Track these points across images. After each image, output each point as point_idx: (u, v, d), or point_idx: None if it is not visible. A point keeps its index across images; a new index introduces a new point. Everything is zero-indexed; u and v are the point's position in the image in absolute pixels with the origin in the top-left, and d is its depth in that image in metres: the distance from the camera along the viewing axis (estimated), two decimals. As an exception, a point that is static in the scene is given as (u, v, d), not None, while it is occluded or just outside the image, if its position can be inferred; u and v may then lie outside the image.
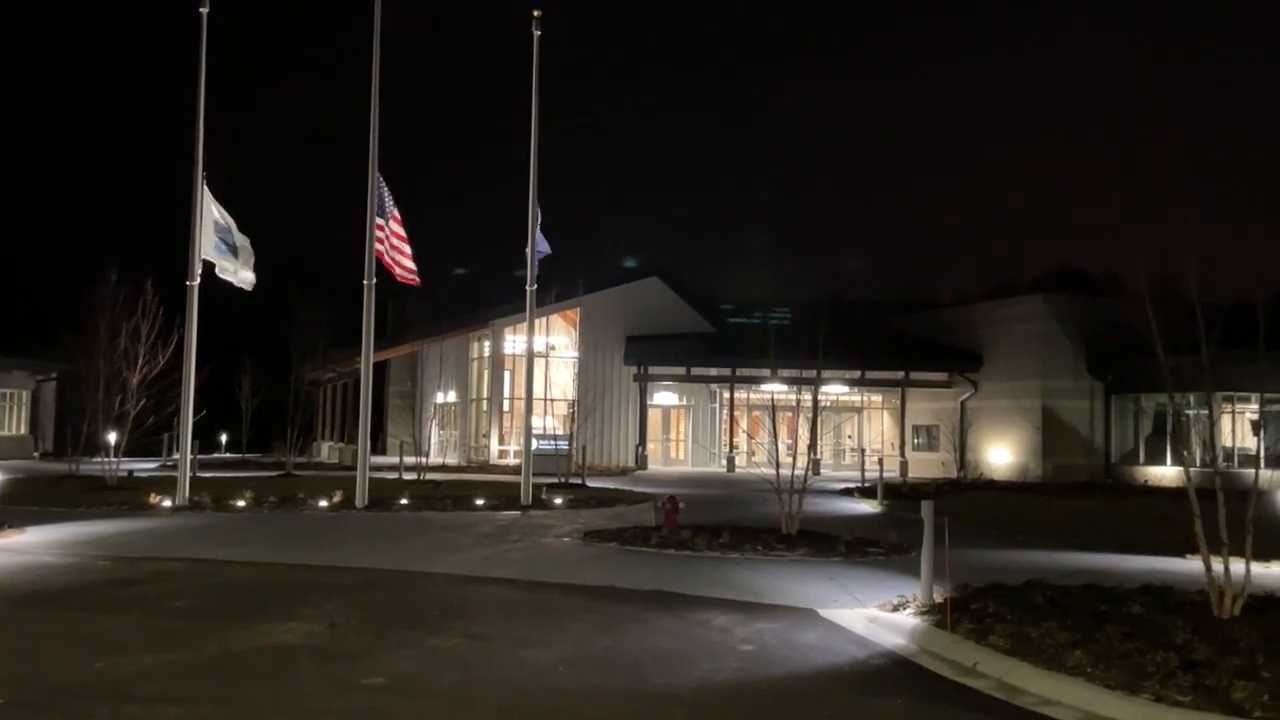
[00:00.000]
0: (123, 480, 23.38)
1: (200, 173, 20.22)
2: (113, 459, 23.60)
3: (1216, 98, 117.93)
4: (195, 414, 20.92)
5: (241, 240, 20.75)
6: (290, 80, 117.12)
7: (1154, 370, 10.05)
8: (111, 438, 24.19)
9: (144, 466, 28.53)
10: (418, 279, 21.65)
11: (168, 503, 19.31)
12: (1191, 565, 11.21)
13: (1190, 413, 25.94)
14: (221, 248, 20.37)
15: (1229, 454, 29.85)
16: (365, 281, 20.42)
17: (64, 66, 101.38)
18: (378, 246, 20.40)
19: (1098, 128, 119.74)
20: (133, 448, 25.29)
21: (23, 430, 42.24)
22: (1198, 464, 25.61)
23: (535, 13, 22.06)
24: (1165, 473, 30.96)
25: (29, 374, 41.88)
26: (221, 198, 20.59)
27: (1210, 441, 22.03)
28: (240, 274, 20.81)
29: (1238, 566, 8.78)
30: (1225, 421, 29.84)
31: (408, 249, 20.97)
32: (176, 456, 23.17)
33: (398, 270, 20.95)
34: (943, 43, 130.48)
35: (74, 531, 15.62)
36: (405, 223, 21.00)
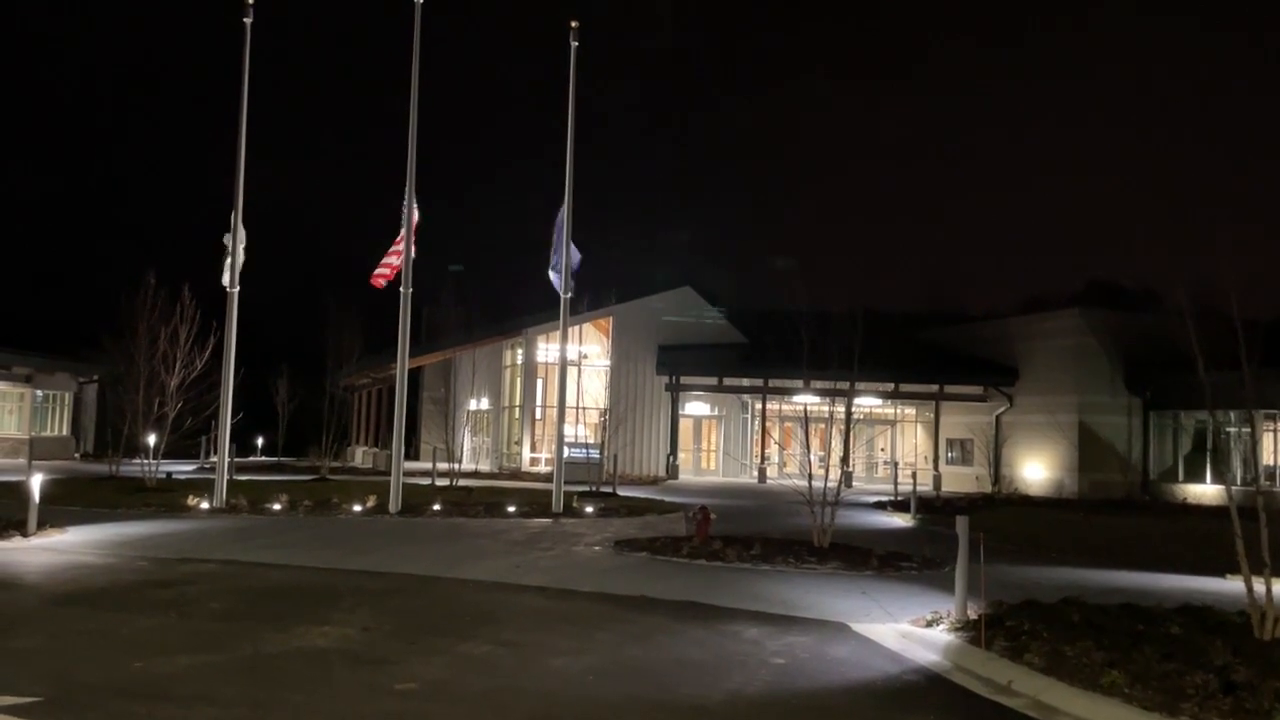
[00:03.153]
0: (161, 482, 23.71)
1: (240, 180, 20.54)
2: (152, 461, 23.94)
3: (1259, 109, 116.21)
4: (232, 418, 21.18)
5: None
6: (326, 89, 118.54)
7: (1194, 386, 9.91)
8: (151, 440, 24.55)
9: (182, 469, 28.92)
10: (382, 281, 21.34)
11: (205, 505, 19.55)
12: (1232, 586, 11.02)
13: (1231, 430, 25.55)
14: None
15: (1271, 473, 29.35)
16: (401, 289, 20.63)
17: (104, 72, 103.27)
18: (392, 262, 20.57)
19: (1139, 141, 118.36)
20: (171, 450, 25.64)
21: (65, 431, 42.97)
22: (1239, 482, 25.30)
23: (573, 23, 22.18)
24: (1205, 491, 30.46)
25: (71, 376, 42.61)
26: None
27: (1252, 460, 21.72)
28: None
29: (1280, 588, 8.63)
30: (1267, 440, 29.32)
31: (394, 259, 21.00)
32: (214, 459, 23.46)
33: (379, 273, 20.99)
34: (979, 61, 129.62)
35: (113, 532, 15.87)
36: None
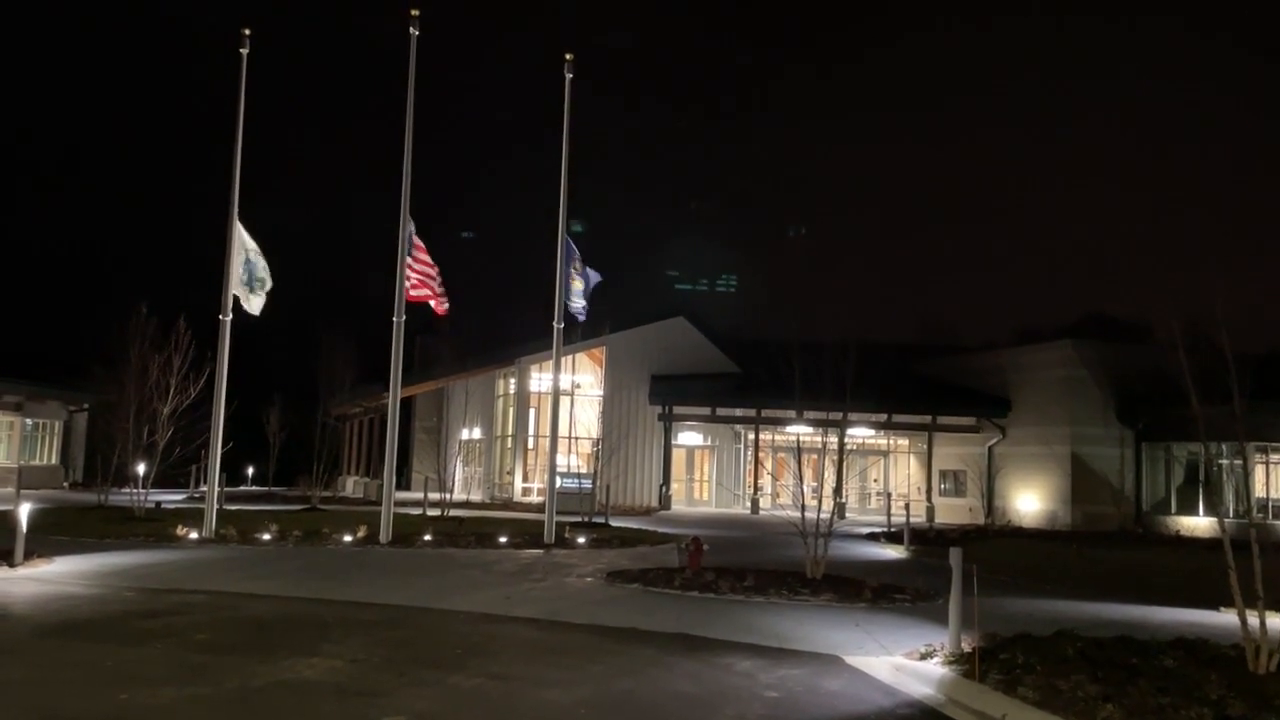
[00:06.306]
0: (150, 511, 23.53)
1: (235, 210, 20.56)
2: (141, 490, 23.76)
3: (1254, 141, 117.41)
4: (223, 447, 21.07)
5: (262, 271, 20.93)
6: (323, 116, 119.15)
7: (1186, 418, 9.92)
8: (140, 469, 24.37)
9: (171, 498, 28.72)
10: (443, 309, 21.69)
11: (194, 535, 19.40)
12: (1226, 619, 10.99)
13: (1224, 462, 25.57)
14: (245, 278, 20.67)
15: (1264, 505, 29.35)
16: (394, 319, 20.62)
17: (97, 100, 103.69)
18: (406, 284, 20.63)
19: (1132, 173, 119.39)
20: (160, 479, 25.47)
21: (54, 460, 42.69)
22: (1232, 515, 25.28)
23: (568, 56, 22.38)
24: (1198, 523, 30.44)
25: (61, 404, 42.40)
26: (251, 233, 20.92)
27: (1244, 492, 21.74)
28: (252, 300, 20.93)
29: (1274, 621, 8.61)
30: (1259, 472, 29.34)
31: (436, 275, 21.18)
32: (204, 488, 23.32)
33: (437, 304, 21.18)
34: (971, 90, 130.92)
35: (101, 562, 15.73)
36: (434, 249, 21.25)
